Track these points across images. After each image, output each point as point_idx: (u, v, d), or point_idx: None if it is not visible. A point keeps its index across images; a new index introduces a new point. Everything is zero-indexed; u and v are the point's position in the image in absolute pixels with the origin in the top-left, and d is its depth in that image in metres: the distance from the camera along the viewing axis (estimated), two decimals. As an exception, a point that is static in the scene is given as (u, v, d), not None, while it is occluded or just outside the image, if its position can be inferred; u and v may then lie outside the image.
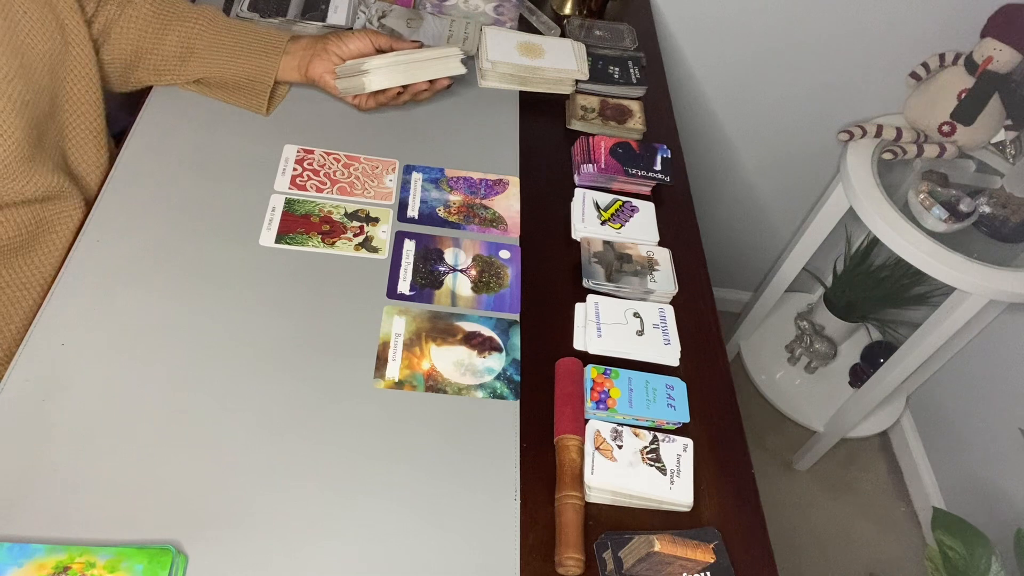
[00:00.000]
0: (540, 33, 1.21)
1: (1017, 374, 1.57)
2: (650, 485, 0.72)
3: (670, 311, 0.87)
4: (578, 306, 0.87)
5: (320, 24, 1.09)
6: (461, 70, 0.97)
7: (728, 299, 2.08)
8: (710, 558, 0.67)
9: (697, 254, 0.97)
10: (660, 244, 0.95)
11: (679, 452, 0.75)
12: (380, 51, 0.96)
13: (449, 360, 0.79)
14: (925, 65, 1.44)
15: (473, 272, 0.88)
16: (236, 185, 0.90)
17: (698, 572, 0.67)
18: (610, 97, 1.12)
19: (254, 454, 0.69)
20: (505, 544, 0.68)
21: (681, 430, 0.78)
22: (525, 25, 1.23)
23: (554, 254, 0.92)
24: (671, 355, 0.83)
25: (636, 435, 0.75)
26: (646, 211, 0.98)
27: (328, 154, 0.96)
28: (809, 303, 2.03)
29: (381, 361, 0.78)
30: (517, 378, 0.79)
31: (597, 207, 0.96)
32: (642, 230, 0.95)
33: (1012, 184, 1.36)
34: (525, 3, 1.25)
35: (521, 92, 1.12)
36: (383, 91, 0.95)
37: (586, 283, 0.88)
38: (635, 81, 1.15)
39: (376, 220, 0.90)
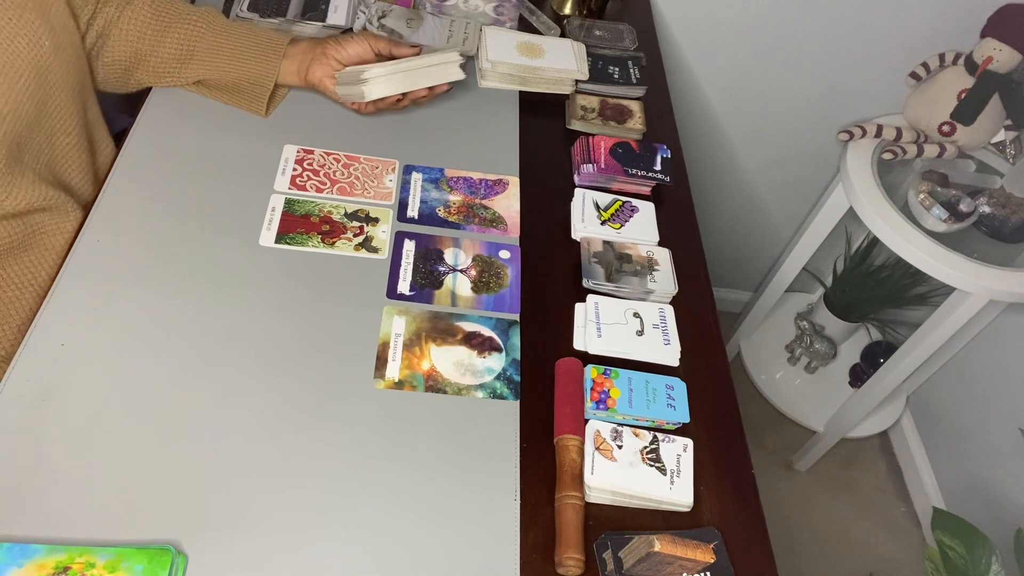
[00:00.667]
0: (540, 33, 1.21)
1: (1017, 374, 1.57)
2: (650, 485, 0.72)
3: (670, 311, 0.87)
4: (578, 306, 0.87)
5: (320, 24, 1.09)
6: (460, 76, 0.97)
7: (728, 299, 2.08)
8: (710, 558, 0.67)
9: (697, 254, 0.97)
10: (660, 244, 0.95)
11: (679, 452, 0.75)
12: (379, 55, 0.96)
13: (449, 360, 0.79)
14: (925, 65, 1.44)
15: (473, 272, 0.88)
16: (236, 185, 0.90)
17: (698, 572, 0.67)
18: (610, 97, 1.12)
19: (254, 454, 0.69)
20: (505, 544, 0.68)
21: (681, 430, 0.78)
22: (525, 25, 1.23)
23: (554, 254, 0.92)
24: (671, 355, 0.83)
25: (636, 435, 0.75)
26: (646, 211, 0.98)
27: (328, 154, 0.96)
28: (809, 303, 2.03)
29: (381, 361, 0.78)
30: (517, 378, 0.79)
31: (597, 207, 0.96)
32: (642, 230, 0.95)
33: (1012, 184, 1.36)
34: (525, 3, 1.25)
35: (521, 92, 1.12)
36: (383, 98, 0.94)
37: (586, 283, 0.88)
38: (635, 81, 1.15)
39: (376, 220, 0.90)
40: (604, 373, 0.79)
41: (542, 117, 1.09)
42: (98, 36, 0.90)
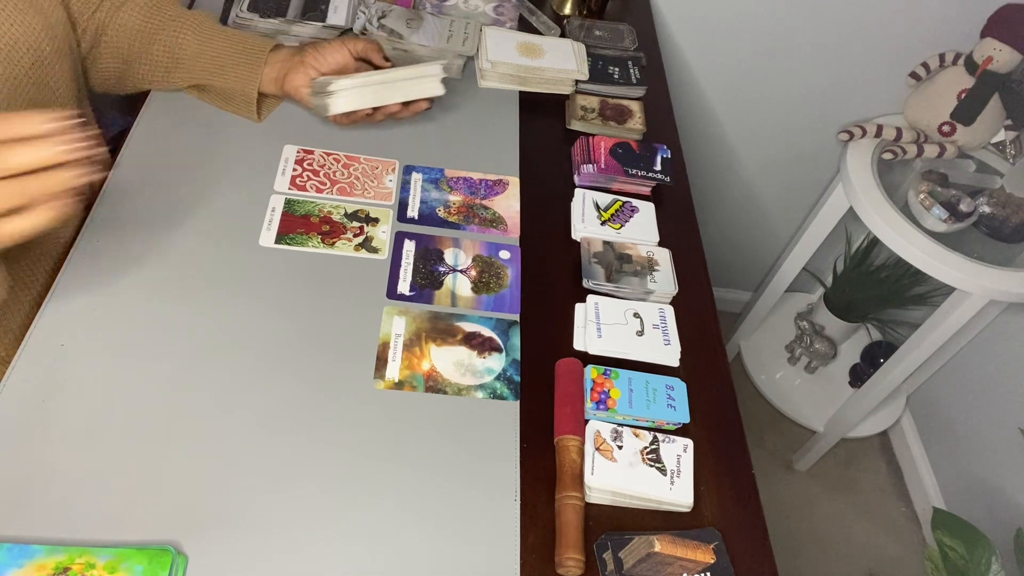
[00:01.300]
0: (540, 33, 1.21)
1: (1017, 374, 1.57)
2: (650, 485, 0.72)
3: (670, 311, 0.87)
4: (578, 306, 0.87)
5: (320, 24, 1.09)
6: (439, 91, 0.92)
7: (728, 299, 2.08)
8: (710, 558, 0.67)
9: (697, 254, 0.97)
10: (660, 244, 0.95)
11: (679, 452, 0.75)
12: (358, 58, 0.93)
13: (449, 360, 0.79)
14: (925, 65, 1.44)
15: (473, 272, 0.88)
16: (236, 185, 0.90)
17: (698, 572, 0.67)
18: (610, 97, 1.12)
19: (254, 454, 0.69)
20: (505, 544, 0.68)
21: (681, 430, 0.78)
22: (525, 25, 1.23)
23: (554, 254, 0.92)
24: (671, 355, 0.83)
25: (636, 435, 0.75)
26: (646, 211, 0.98)
27: (328, 154, 0.96)
28: (809, 303, 2.03)
29: (381, 361, 0.78)
30: (517, 378, 0.79)
31: (597, 207, 0.96)
32: (642, 230, 0.95)
33: (1012, 184, 1.36)
34: (525, 3, 1.25)
35: (521, 92, 1.12)
36: (351, 112, 0.91)
37: (586, 283, 0.88)
38: (635, 81, 1.15)
39: (376, 220, 0.90)
40: (604, 373, 0.79)
41: (542, 117, 1.09)
42: (92, 41, 0.89)
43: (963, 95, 1.36)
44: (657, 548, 0.64)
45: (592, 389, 0.78)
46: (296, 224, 0.87)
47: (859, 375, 1.88)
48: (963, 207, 1.32)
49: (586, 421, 0.76)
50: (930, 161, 1.44)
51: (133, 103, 0.98)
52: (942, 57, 1.42)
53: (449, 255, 0.89)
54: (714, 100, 1.59)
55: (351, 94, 0.89)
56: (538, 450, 0.74)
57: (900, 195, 1.41)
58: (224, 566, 0.63)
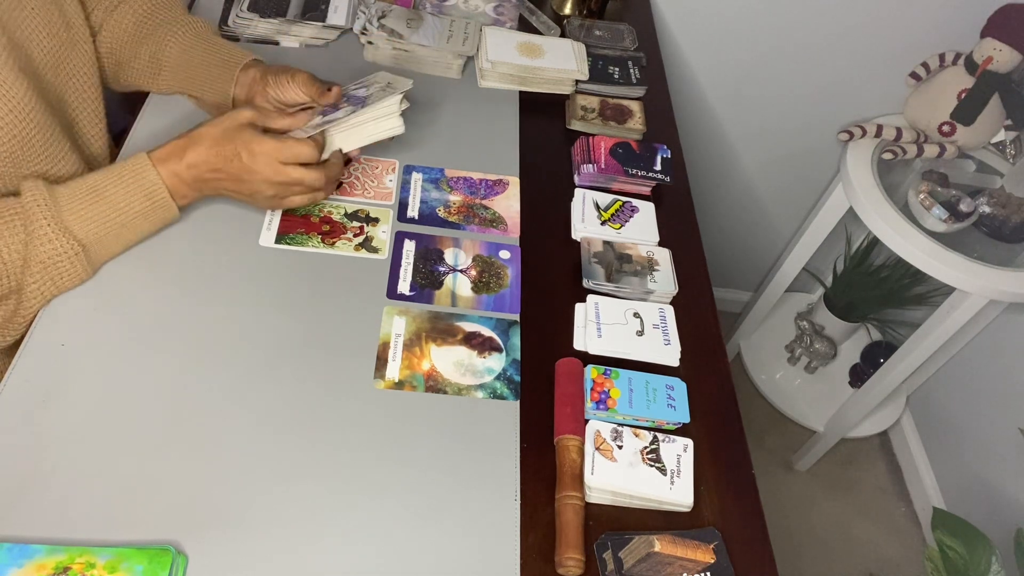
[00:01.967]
0: (540, 33, 1.21)
1: (1017, 374, 1.57)
2: (650, 485, 0.72)
3: (670, 311, 0.87)
4: (578, 306, 0.87)
5: (320, 24, 1.09)
6: (399, 130, 0.86)
7: (728, 299, 2.08)
8: (710, 558, 0.67)
9: (697, 254, 0.97)
10: (660, 244, 0.95)
11: (679, 452, 0.75)
12: (315, 101, 0.86)
13: (449, 360, 0.79)
14: (925, 65, 1.44)
15: (473, 272, 0.88)
16: (236, 185, 0.90)
17: (698, 572, 0.67)
18: (610, 97, 1.12)
19: (254, 454, 0.69)
20: (505, 544, 0.68)
21: (681, 430, 0.78)
22: (525, 25, 1.23)
23: (554, 254, 0.92)
24: (671, 355, 0.83)
25: (636, 435, 0.75)
26: (646, 211, 0.98)
27: (328, 154, 0.96)
28: (809, 303, 2.03)
29: (381, 361, 0.78)
30: (517, 378, 0.79)
31: (597, 207, 0.96)
32: (642, 230, 0.95)
33: (1012, 184, 1.36)
34: (525, 3, 1.25)
35: (521, 92, 1.12)
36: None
37: (586, 283, 0.88)
38: (635, 81, 1.15)
39: (376, 220, 0.90)
40: (604, 373, 0.79)
41: (542, 117, 1.09)
42: (93, 36, 0.90)
43: (963, 95, 1.36)
44: (657, 548, 0.64)
45: (592, 389, 0.78)
46: (296, 224, 0.87)
47: (859, 375, 1.88)
48: (963, 207, 1.32)
49: (586, 421, 0.76)
50: (930, 161, 1.44)
51: (133, 103, 0.98)
52: (942, 57, 1.42)
53: (449, 255, 0.89)
54: (714, 100, 1.59)
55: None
56: (538, 450, 0.74)
57: (900, 195, 1.41)
58: (224, 566, 0.63)
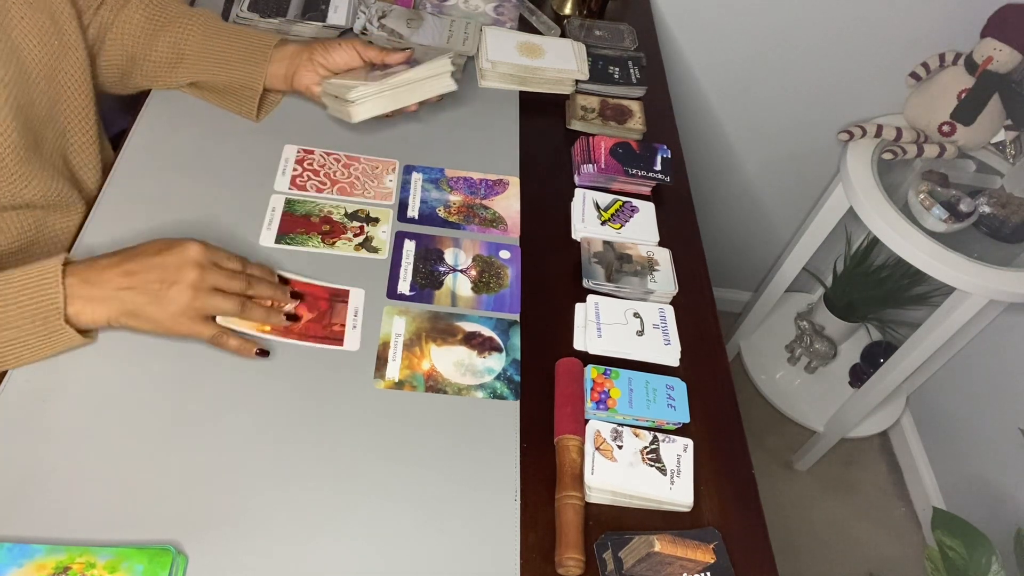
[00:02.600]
0: (540, 33, 1.21)
1: (1017, 374, 1.57)
2: (650, 485, 0.72)
3: (670, 311, 0.87)
4: (578, 306, 0.87)
5: (320, 24, 1.09)
6: (452, 87, 0.93)
7: (728, 299, 2.08)
8: (710, 558, 0.67)
9: (697, 254, 0.97)
10: (660, 244, 0.95)
11: (679, 452, 0.75)
12: (369, 63, 0.93)
13: (449, 360, 0.79)
14: (925, 65, 1.44)
15: (473, 272, 0.88)
16: (236, 185, 0.90)
17: (698, 572, 0.67)
18: (610, 97, 1.12)
19: (254, 454, 0.69)
20: (505, 544, 0.68)
21: (681, 430, 0.78)
22: (525, 25, 1.23)
23: (554, 254, 0.92)
24: (671, 355, 0.83)
25: (636, 435, 0.75)
26: (646, 211, 0.98)
27: (328, 154, 0.96)
28: (809, 303, 2.03)
29: (381, 361, 0.78)
30: (517, 378, 0.79)
31: (597, 207, 0.96)
32: (642, 230, 0.95)
33: (1012, 184, 1.36)
34: (525, 3, 1.25)
35: (521, 92, 1.12)
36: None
37: (586, 283, 0.88)
38: (635, 81, 1.15)
39: (376, 220, 0.90)
40: (604, 373, 0.79)
41: (542, 117, 1.09)
42: (95, 39, 0.90)
43: (963, 95, 1.36)
44: (657, 548, 0.64)
45: (592, 389, 0.78)
46: (296, 224, 0.87)
47: (859, 375, 1.88)
48: (963, 207, 1.32)
49: (586, 421, 0.76)
50: (930, 161, 1.44)
51: (133, 103, 0.98)
52: (942, 57, 1.42)
53: (449, 255, 0.89)
54: (714, 100, 1.59)
55: (372, 102, 0.89)
56: (538, 450, 0.74)
57: (900, 195, 1.41)
58: (224, 566, 0.63)
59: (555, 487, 0.71)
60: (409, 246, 0.88)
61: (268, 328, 0.77)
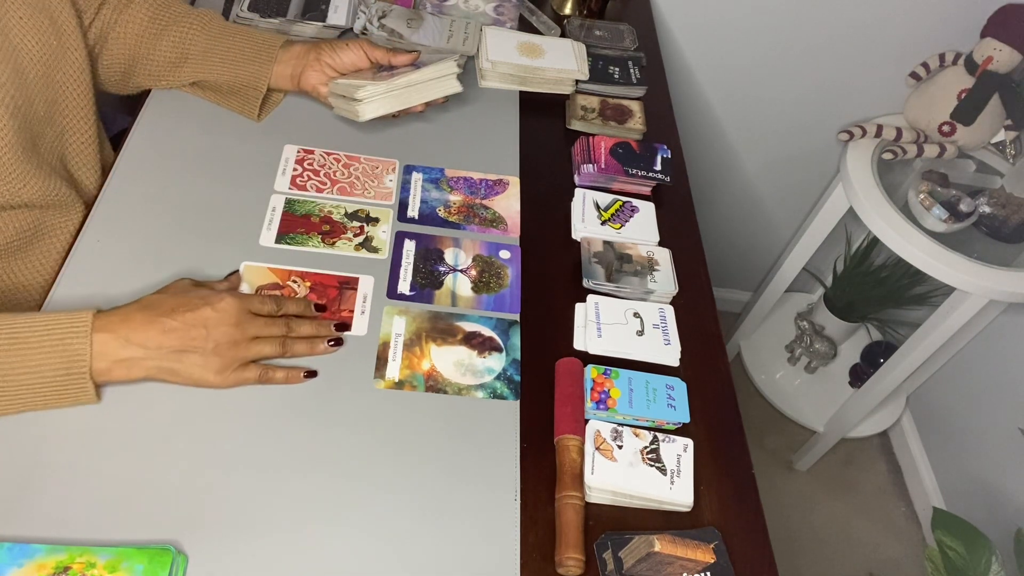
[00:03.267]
0: (540, 33, 1.21)
1: (1017, 374, 1.57)
2: (650, 485, 0.72)
3: (670, 311, 0.87)
4: (578, 306, 0.87)
5: (320, 24, 1.09)
6: (458, 88, 0.94)
7: (728, 299, 2.08)
8: (710, 558, 0.67)
9: (697, 254, 0.97)
10: (660, 244, 0.95)
11: (679, 452, 0.75)
12: (376, 63, 0.94)
13: (449, 360, 0.79)
14: (925, 65, 1.44)
15: (473, 272, 0.88)
16: (236, 185, 0.90)
17: (698, 572, 0.67)
18: (610, 97, 1.12)
19: (254, 454, 0.69)
20: (505, 544, 0.68)
21: (681, 430, 0.78)
22: (525, 25, 1.23)
23: (554, 254, 0.92)
24: (671, 355, 0.83)
25: (636, 435, 0.75)
26: (646, 211, 0.98)
27: (328, 154, 0.96)
28: (809, 303, 2.03)
29: (381, 361, 0.78)
30: (517, 378, 0.79)
31: (597, 207, 0.96)
32: (642, 230, 0.95)
33: (1012, 184, 1.36)
34: (525, 3, 1.25)
35: (521, 92, 1.12)
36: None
37: (586, 283, 0.88)
38: (635, 81, 1.15)
39: (376, 220, 0.90)
40: (604, 373, 0.79)
41: (542, 117, 1.09)
42: (97, 38, 0.90)
43: (963, 95, 1.36)
44: (657, 548, 0.64)
45: (592, 389, 0.78)
46: (296, 224, 0.87)
47: (859, 375, 1.88)
48: (963, 207, 1.32)
49: (586, 421, 0.76)
50: (930, 161, 1.44)
51: (133, 103, 0.98)
52: (942, 57, 1.42)
53: (449, 255, 0.89)
54: (714, 100, 1.59)
55: (378, 101, 0.89)
56: (538, 450, 0.74)
57: (900, 195, 1.41)
58: (224, 566, 0.63)
59: (555, 487, 0.71)
60: (409, 246, 0.89)
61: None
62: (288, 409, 0.73)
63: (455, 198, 0.95)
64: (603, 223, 0.95)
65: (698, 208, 1.03)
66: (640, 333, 0.84)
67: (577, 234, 0.94)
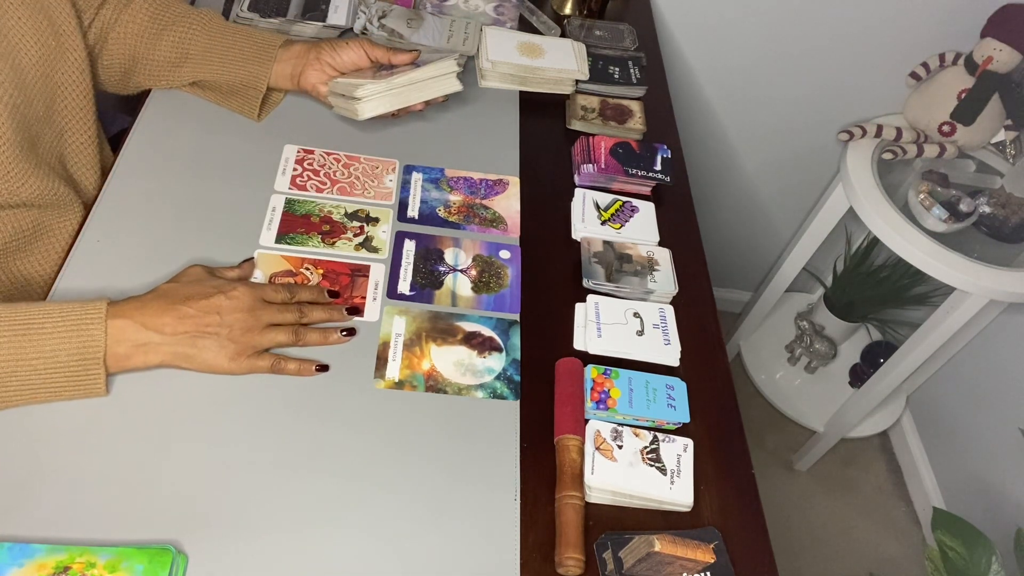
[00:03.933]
0: (540, 33, 1.21)
1: (1017, 374, 1.57)
2: (650, 485, 0.72)
3: (670, 311, 0.87)
4: (578, 306, 0.87)
5: (320, 24, 1.09)
6: (458, 87, 0.93)
7: (728, 299, 2.08)
8: (710, 558, 0.67)
9: (697, 254, 0.97)
10: (660, 244, 0.95)
11: (679, 452, 0.75)
12: (376, 62, 0.94)
13: (449, 360, 0.79)
14: (925, 65, 1.44)
15: (473, 272, 0.88)
16: (236, 185, 0.90)
17: (698, 572, 0.67)
18: (610, 97, 1.13)
19: (254, 454, 0.69)
20: (505, 544, 0.68)
21: (681, 430, 0.78)
22: (525, 25, 1.23)
23: (554, 254, 0.92)
24: (671, 355, 0.83)
25: (636, 435, 0.75)
26: (646, 211, 0.98)
27: (328, 154, 0.96)
28: (809, 303, 2.03)
29: (381, 361, 0.78)
30: (517, 378, 0.79)
31: (597, 207, 0.96)
32: (642, 230, 0.95)
33: (1012, 184, 1.36)
34: (525, 3, 1.25)
35: (521, 92, 1.12)
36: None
37: (586, 283, 0.88)
38: (635, 81, 1.15)
39: (376, 220, 0.90)
40: (604, 373, 0.79)
41: (542, 117, 1.09)
42: (97, 38, 0.90)
43: (963, 95, 1.36)
44: (657, 548, 0.64)
45: (592, 389, 0.78)
46: (296, 224, 0.87)
47: (859, 375, 1.88)
48: (963, 207, 1.32)
49: (586, 421, 0.76)
50: (930, 161, 1.44)
51: (133, 103, 0.98)
52: (942, 57, 1.42)
53: (449, 255, 0.89)
54: (714, 100, 1.59)
55: (378, 100, 0.89)
56: (538, 450, 0.74)
57: (900, 195, 1.41)
58: (224, 566, 0.63)
59: (555, 487, 0.71)
60: (409, 246, 0.89)
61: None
62: (288, 409, 0.73)
63: (455, 198, 0.95)
64: (603, 223, 0.95)
65: (698, 208, 1.03)
66: (640, 333, 0.84)
67: (577, 234, 0.94)
